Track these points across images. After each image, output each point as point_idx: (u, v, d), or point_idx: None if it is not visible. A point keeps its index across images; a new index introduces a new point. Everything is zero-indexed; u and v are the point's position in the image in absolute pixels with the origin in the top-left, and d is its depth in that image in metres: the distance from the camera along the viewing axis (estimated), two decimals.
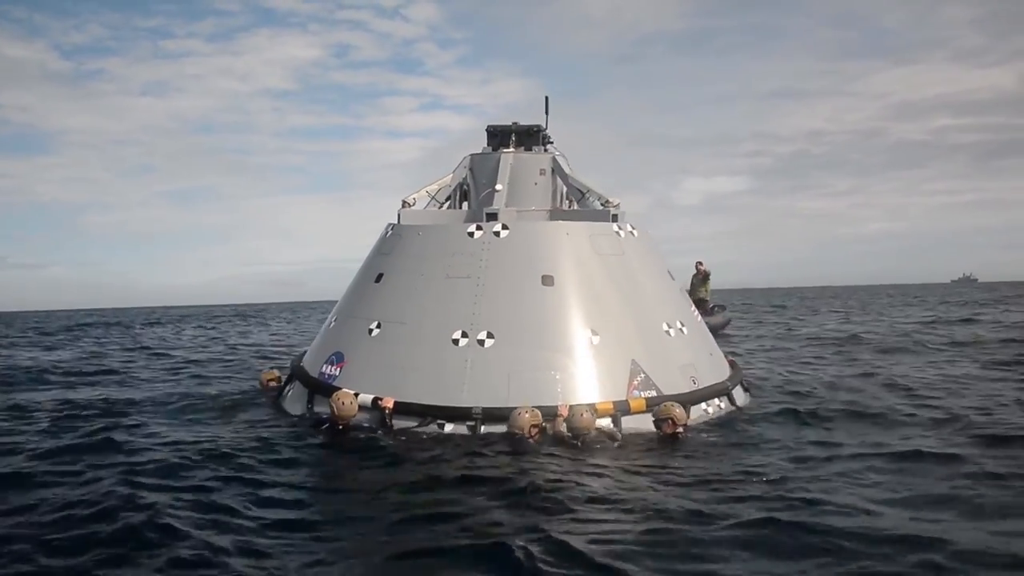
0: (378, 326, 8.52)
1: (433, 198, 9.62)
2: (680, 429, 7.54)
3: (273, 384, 10.31)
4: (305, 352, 9.98)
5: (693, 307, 9.65)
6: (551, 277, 8.27)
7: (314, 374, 8.88)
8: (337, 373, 8.59)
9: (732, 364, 9.99)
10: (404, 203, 9.42)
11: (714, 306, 20.80)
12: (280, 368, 11.63)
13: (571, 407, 7.42)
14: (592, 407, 7.42)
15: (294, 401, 9.19)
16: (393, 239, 9.21)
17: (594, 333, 8.05)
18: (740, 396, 9.29)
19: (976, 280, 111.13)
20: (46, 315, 66.40)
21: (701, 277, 20.22)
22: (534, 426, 7.26)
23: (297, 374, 9.34)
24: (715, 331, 20.37)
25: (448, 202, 9.94)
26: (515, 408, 7.34)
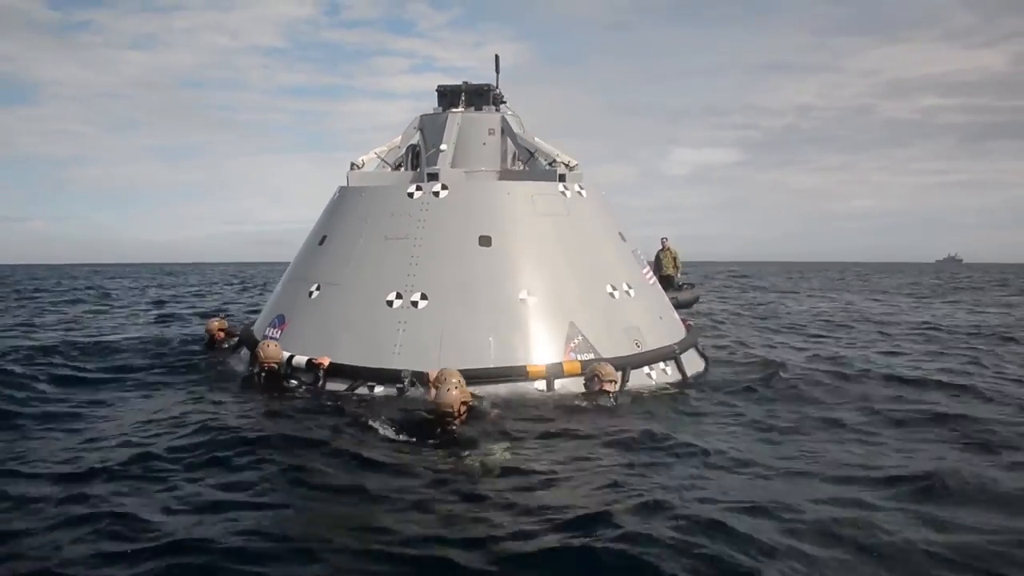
0: (317, 288, 8.43)
1: (383, 160, 9.47)
2: (608, 387, 7.35)
3: (221, 334, 10.25)
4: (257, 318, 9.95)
5: (647, 270, 9.41)
6: (489, 238, 8.10)
7: (259, 337, 8.84)
8: (278, 336, 8.53)
9: (688, 328, 9.77)
10: (353, 165, 9.28)
11: (683, 284, 20.77)
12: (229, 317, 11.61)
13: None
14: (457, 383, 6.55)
15: (240, 363, 9.17)
16: (338, 201, 9.10)
17: (530, 294, 7.88)
18: (693, 362, 9.07)
19: (961, 260, 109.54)
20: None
21: (665, 252, 20.27)
22: (464, 403, 6.47)
23: (244, 338, 9.32)
24: (684, 307, 20.35)
25: (401, 164, 9.78)
26: (442, 385, 6.53)
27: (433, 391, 6.67)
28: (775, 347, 12.61)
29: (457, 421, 6.38)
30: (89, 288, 32.92)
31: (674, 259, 20.39)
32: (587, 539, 4.17)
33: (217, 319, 10.79)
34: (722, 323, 17.02)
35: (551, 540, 4.21)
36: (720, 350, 11.45)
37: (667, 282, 20.60)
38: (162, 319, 16.54)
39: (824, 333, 15.37)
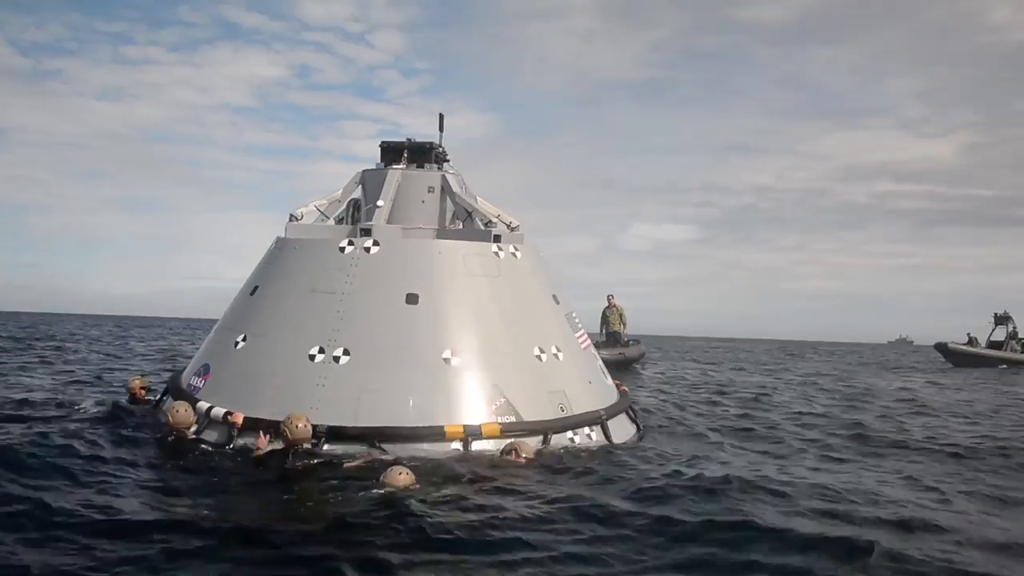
0: (244, 339, 8.35)
1: (322, 213, 9.48)
2: (522, 459, 7.29)
3: (142, 392, 10.09)
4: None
5: (581, 334, 9.39)
6: (416, 295, 8.08)
7: (184, 386, 8.73)
8: (201, 385, 8.42)
9: (622, 393, 9.74)
10: (292, 216, 9.28)
11: (629, 340, 21.25)
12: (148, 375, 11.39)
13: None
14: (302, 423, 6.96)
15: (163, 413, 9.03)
16: (274, 252, 9.07)
17: (454, 354, 7.84)
18: (622, 428, 9.01)
19: (912, 342, 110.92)
20: None
21: (612, 309, 20.80)
22: (407, 487, 6.34)
23: (171, 386, 9.20)
24: (630, 363, 20.71)
25: (343, 219, 9.79)
26: (392, 467, 6.56)
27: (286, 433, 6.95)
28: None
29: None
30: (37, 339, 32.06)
31: (620, 315, 20.78)
32: None
33: (139, 377, 10.68)
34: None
35: None
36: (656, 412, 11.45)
37: (614, 338, 20.91)
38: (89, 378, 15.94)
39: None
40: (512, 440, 7.43)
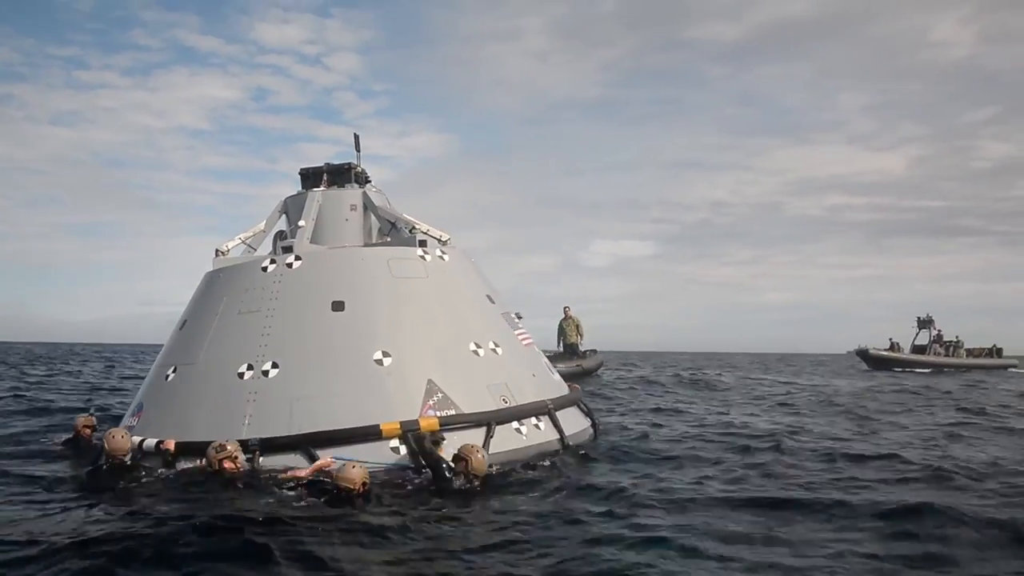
0: (174, 371, 8.18)
1: (248, 245, 9.43)
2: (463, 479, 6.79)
3: (87, 431, 9.70)
4: None
5: (522, 332, 9.29)
6: (342, 302, 7.99)
7: (123, 427, 8.49)
8: (135, 423, 8.20)
9: (572, 388, 9.59)
10: (218, 252, 9.22)
11: (586, 351, 21.53)
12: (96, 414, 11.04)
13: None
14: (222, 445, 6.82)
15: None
16: (201, 286, 8.98)
17: (385, 355, 7.71)
18: (573, 421, 8.83)
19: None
20: None
21: (568, 321, 21.12)
22: (364, 483, 6.27)
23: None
24: (588, 374, 20.72)
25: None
26: (345, 462, 6.49)
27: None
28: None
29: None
30: None
31: (577, 327, 21.00)
32: None
33: (84, 415, 10.23)
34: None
35: None
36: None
37: (571, 349, 20.92)
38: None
39: None
40: (464, 447, 7.04)
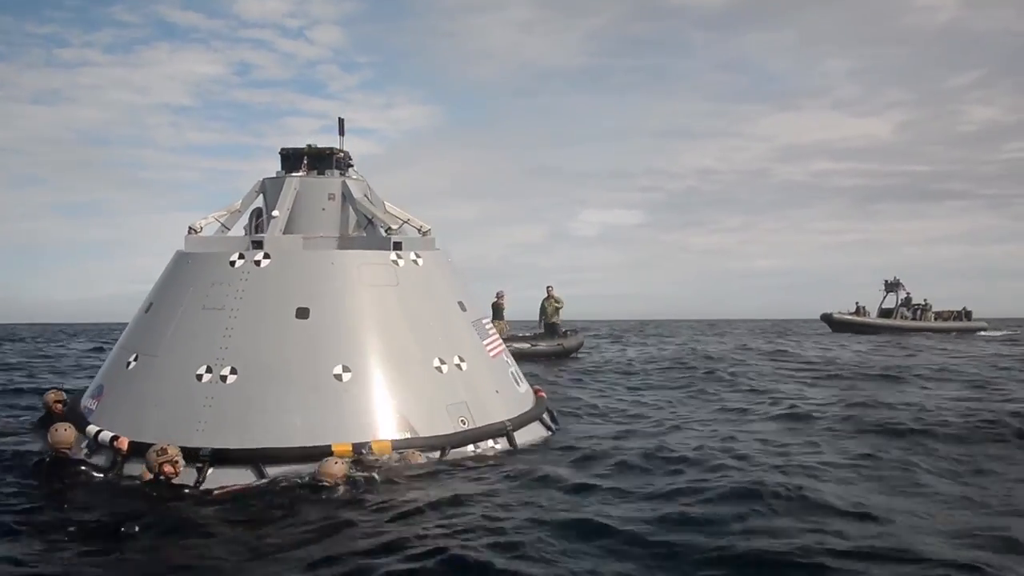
0: (135, 358, 8.12)
1: (223, 224, 9.22)
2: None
3: (59, 407, 9.77)
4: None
5: (492, 341, 9.17)
6: (307, 310, 7.85)
7: (81, 407, 8.51)
8: (94, 407, 8.21)
9: (539, 399, 9.54)
10: (191, 229, 9.02)
11: (566, 330, 21.68)
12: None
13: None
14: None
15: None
16: (171, 266, 8.82)
17: (346, 370, 7.63)
18: (531, 436, 8.80)
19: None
20: None
21: (550, 301, 21.14)
22: (344, 476, 6.78)
23: (70, 408, 8.96)
24: (568, 353, 20.92)
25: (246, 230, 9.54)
26: (327, 458, 6.95)
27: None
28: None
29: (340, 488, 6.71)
30: None
31: (557, 309, 21.07)
32: None
33: (54, 391, 10.28)
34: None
35: None
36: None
37: (552, 329, 21.02)
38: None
39: None
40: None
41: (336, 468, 6.83)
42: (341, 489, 6.74)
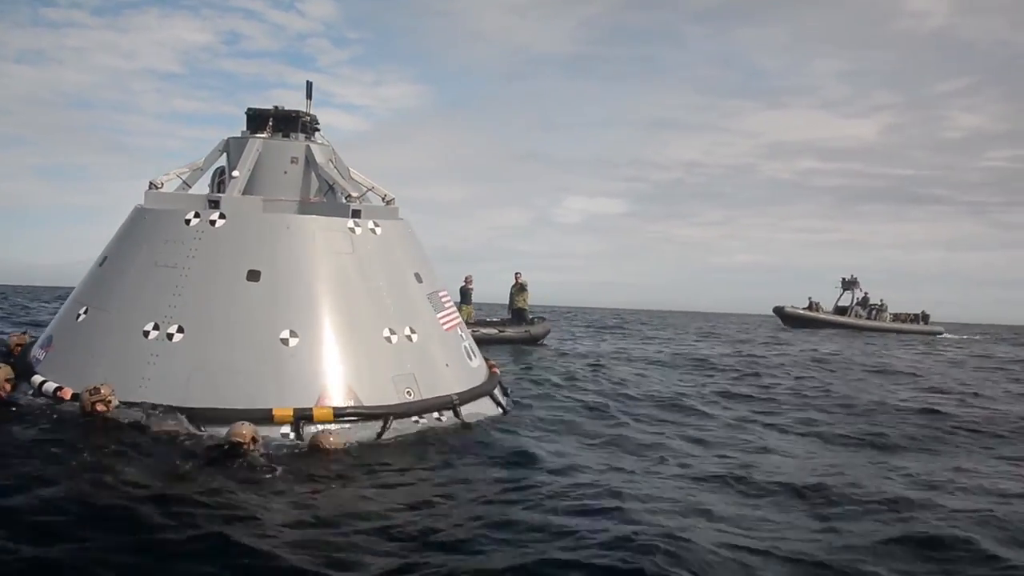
0: (85, 311, 8.12)
1: (184, 182, 9.18)
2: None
3: (19, 350, 9.74)
4: None
5: (447, 314, 9.17)
6: (258, 272, 7.83)
7: (30, 358, 8.50)
8: (42, 357, 8.21)
9: (492, 374, 9.58)
10: (151, 184, 8.96)
11: (534, 317, 21.85)
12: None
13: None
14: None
15: None
16: (127, 222, 8.78)
17: (293, 335, 7.63)
18: (480, 411, 8.84)
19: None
20: None
21: (518, 287, 21.29)
22: (254, 439, 6.76)
23: (21, 354, 8.96)
24: (535, 340, 21.03)
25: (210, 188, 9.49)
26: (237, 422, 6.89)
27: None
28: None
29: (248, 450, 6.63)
30: None
31: (524, 297, 21.23)
32: None
33: (18, 334, 10.27)
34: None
35: None
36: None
37: (519, 315, 21.06)
38: None
39: None
40: (316, 436, 7.17)
41: (246, 429, 6.74)
42: (254, 451, 6.71)
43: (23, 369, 8.24)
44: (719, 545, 5.24)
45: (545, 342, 21.73)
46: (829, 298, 45.74)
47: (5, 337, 11.98)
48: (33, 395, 7.74)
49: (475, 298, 20.95)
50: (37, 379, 7.75)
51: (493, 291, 23.23)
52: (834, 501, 6.68)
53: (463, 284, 20.79)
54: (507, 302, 21.71)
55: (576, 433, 9.26)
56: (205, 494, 5.74)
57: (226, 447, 6.63)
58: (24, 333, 10.20)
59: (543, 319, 22.64)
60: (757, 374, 17.09)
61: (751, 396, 13.52)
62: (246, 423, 6.87)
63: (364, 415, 7.59)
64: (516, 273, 21.48)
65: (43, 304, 28.51)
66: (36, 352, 8.39)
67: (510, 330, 20.46)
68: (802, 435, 10.10)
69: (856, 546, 5.53)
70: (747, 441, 9.37)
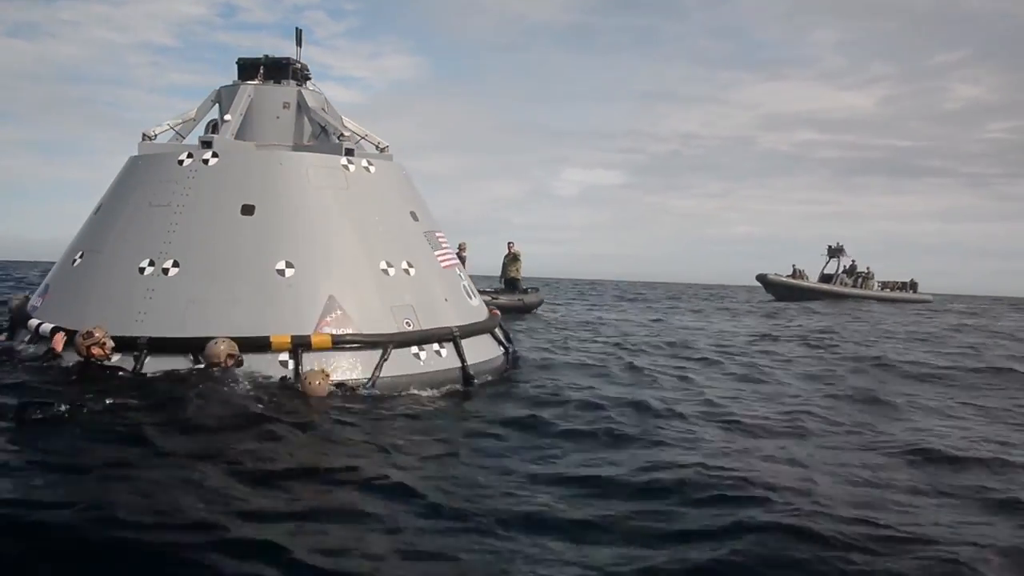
0: (81, 256, 8.11)
1: (177, 133, 9.18)
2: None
3: None
4: None
5: (444, 253, 9.12)
6: (252, 207, 7.81)
7: (30, 308, 8.49)
8: (39, 304, 8.20)
9: (492, 315, 9.53)
10: (144, 136, 8.97)
11: (528, 288, 21.87)
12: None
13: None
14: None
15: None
16: (122, 172, 8.78)
17: (289, 266, 7.59)
18: (482, 349, 8.78)
19: None
20: None
21: (511, 257, 21.32)
22: (230, 356, 6.88)
23: (18, 308, 8.94)
24: (529, 310, 20.95)
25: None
26: (210, 339, 6.92)
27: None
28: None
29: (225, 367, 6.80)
30: None
31: (517, 267, 21.25)
32: None
33: (22, 295, 10.24)
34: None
35: None
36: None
37: (512, 284, 21.06)
38: None
39: None
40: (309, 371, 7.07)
41: (219, 348, 6.81)
42: (232, 368, 6.83)
43: (21, 317, 8.24)
44: None
45: (539, 311, 21.73)
46: (816, 267, 45.11)
47: None
48: (31, 340, 7.73)
49: (469, 270, 20.85)
50: (33, 322, 7.74)
51: (488, 263, 23.15)
52: None
53: (456, 251, 20.67)
54: (500, 273, 21.73)
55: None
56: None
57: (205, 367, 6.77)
58: (27, 296, 10.17)
59: (536, 289, 22.70)
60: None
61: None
62: (221, 340, 6.87)
63: (363, 343, 7.53)
64: (509, 243, 21.50)
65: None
66: (33, 301, 8.38)
67: (503, 298, 20.35)
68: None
69: None
70: None
